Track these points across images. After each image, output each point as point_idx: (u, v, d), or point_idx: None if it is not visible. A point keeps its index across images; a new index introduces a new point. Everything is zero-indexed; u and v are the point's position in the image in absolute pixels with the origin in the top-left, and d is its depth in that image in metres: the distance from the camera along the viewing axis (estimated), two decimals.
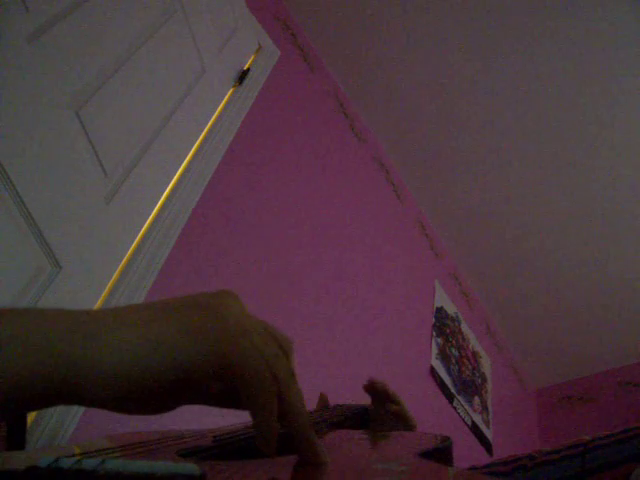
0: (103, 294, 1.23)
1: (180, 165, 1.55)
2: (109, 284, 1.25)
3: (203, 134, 1.67)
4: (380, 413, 0.71)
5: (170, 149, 1.50)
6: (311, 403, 0.77)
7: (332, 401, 0.79)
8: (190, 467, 0.21)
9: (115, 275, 1.27)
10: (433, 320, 2.51)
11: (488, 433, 2.50)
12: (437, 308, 2.59)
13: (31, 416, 1.01)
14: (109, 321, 0.27)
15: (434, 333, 2.45)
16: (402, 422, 0.70)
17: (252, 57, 2.03)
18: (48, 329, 0.25)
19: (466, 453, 2.23)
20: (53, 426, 1.01)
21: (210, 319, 0.28)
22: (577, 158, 2.43)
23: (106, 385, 0.25)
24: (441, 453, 0.35)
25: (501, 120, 2.44)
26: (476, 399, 2.55)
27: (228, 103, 1.82)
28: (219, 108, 1.77)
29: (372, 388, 0.72)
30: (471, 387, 2.55)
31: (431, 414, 2.13)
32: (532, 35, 2.14)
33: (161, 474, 0.21)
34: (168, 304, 0.29)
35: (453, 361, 2.51)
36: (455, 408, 2.33)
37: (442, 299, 2.69)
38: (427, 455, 0.32)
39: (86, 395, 0.25)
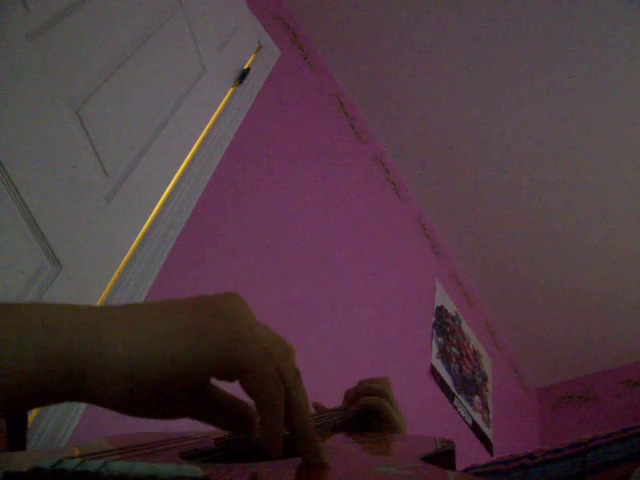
0: (104, 293, 1.23)
1: (180, 164, 1.55)
2: (109, 283, 1.25)
3: (203, 133, 1.67)
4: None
5: (170, 148, 1.50)
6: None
7: (332, 403, 0.79)
8: (193, 469, 0.21)
9: (115, 274, 1.27)
10: (433, 319, 2.51)
11: (488, 432, 2.50)
12: (437, 307, 2.59)
13: (31, 416, 1.01)
14: (116, 317, 0.27)
15: (434, 332, 2.45)
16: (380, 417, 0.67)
17: (252, 56, 2.03)
18: (54, 323, 0.25)
19: (466, 452, 2.23)
20: (53, 426, 1.01)
21: (220, 320, 0.28)
22: (578, 158, 2.42)
23: (111, 381, 0.25)
24: (444, 457, 0.35)
25: (502, 119, 2.44)
26: (477, 398, 2.55)
27: (228, 102, 1.81)
28: (219, 107, 1.77)
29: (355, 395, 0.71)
30: (472, 386, 2.55)
31: (431, 413, 2.13)
32: (534, 34, 2.14)
33: (164, 476, 0.21)
34: (177, 304, 0.29)
35: (453, 360, 2.51)
36: (455, 407, 2.33)
37: (442, 298, 2.69)
38: (430, 459, 0.32)
39: (91, 391, 0.25)
